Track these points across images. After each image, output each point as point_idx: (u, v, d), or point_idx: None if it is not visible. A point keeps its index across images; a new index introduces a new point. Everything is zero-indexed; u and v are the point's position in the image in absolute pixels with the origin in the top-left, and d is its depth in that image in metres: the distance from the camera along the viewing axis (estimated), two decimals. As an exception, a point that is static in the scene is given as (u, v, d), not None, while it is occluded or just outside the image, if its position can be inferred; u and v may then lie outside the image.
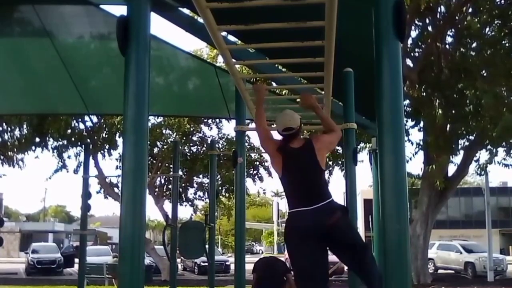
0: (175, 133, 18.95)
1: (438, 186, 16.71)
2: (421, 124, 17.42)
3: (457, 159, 17.59)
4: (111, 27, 5.09)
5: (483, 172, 17.45)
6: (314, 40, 2.99)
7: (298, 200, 3.46)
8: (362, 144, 15.34)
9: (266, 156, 19.29)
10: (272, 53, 4.42)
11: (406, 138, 16.21)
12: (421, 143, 17.24)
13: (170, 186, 18.47)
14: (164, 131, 18.96)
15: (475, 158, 17.44)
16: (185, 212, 46.45)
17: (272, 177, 21.24)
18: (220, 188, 19.41)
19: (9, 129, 17.46)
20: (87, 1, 4.99)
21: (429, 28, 16.38)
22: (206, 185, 19.53)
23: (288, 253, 3.60)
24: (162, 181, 21.00)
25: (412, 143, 17.15)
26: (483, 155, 17.24)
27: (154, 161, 19.40)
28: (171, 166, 10.18)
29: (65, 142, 17.88)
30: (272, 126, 4.07)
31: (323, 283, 3.45)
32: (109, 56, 5.99)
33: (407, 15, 11.18)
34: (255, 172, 20.23)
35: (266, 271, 5.40)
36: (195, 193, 21.68)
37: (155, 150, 19.36)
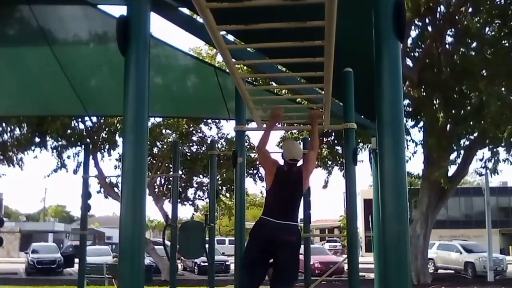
0: (173, 133, 18.95)
1: (444, 185, 16.71)
2: (421, 124, 17.42)
3: (458, 159, 17.61)
4: (109, 28, 5.07)
5: (489, 172, 17.42)
6: (314, 40, 2.98)
7: (273, 212, 4.21)
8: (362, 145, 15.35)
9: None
10: (272, 53, 4.41)
11: (408, 138, 16.38)
12: (422, 142, 17.25)
13: (170, 186, 18.45)
14: (163, 131, 18.95)
15: (480, 158, 17.44)
16: (185, 212, 46.46)
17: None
18: (220, 188, 19.39)
19: (8, 129, 17.46)
20: (86, 1, 4.97)
21: (429, 28, 16.37)
22: (206, 184, 19.51)
23: (246, 247, 4.37)
24: (162, 181, 20.99)
25: (415, 143, 17.17)
26: (486, 155, 17.24)
27: (154, 161, 19.39)
28: (171, 166, 10.17)
29: (64, 142, 17.89)
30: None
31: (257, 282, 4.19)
32: (107, 58, 5.96)
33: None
34: (255, 171, 20.21)
35: None
36: (195, 193, 21.70)
37: (155, 150, 19.35)
